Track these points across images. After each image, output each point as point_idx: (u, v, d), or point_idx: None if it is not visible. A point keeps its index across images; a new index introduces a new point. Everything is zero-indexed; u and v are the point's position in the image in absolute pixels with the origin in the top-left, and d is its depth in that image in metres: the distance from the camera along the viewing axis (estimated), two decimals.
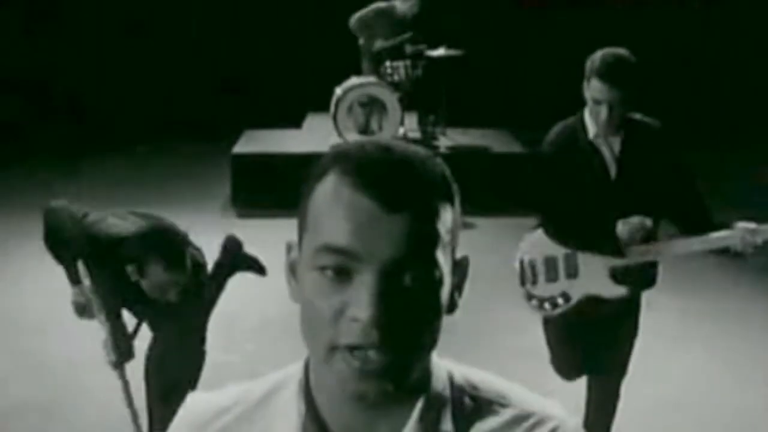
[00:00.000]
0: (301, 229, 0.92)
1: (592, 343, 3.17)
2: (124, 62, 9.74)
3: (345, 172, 0.87)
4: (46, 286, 5.29)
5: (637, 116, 3.02)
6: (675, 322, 4.95)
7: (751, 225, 2.90)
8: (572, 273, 3.04)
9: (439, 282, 0.88)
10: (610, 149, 2.99)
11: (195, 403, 1.04)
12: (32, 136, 8.76)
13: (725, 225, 2.96)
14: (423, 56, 7.37)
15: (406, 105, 7.36)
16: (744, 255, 2.92)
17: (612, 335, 3.17)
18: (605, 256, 2.96)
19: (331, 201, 0.87)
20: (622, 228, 2.90)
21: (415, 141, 7.63)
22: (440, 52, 7.39)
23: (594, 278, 3.01)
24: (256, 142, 7.94)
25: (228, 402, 1.01)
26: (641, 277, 3.08)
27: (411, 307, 0.85)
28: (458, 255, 0.94)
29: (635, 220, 2.90)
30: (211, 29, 10.21)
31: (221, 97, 9.72)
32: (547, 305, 3.10)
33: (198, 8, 10.25)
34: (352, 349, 0.85)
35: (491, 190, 6.99)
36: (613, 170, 2.99)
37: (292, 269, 0.95)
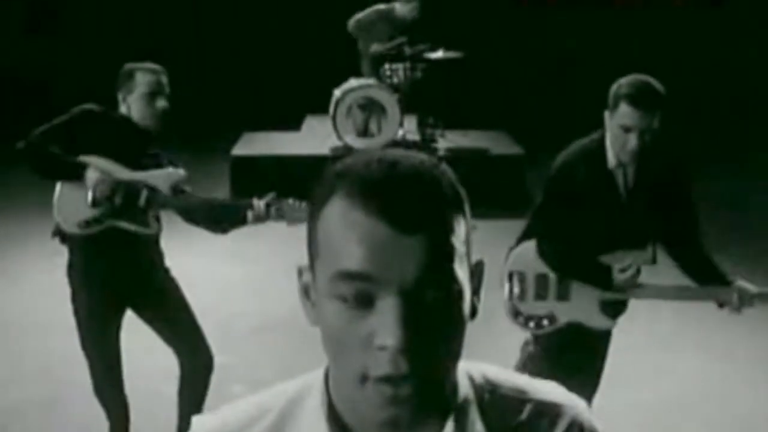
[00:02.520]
0: (313, 254, 0.90)
1: (570, 364, 3.08)
2: (124, 63, 9.74)
3: (352, 193, 0.85)
4: (47, 286, 5.30)
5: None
6: (675, 323, 4.96)
7: (752, 288, 2.84)
8: (563, 296, 2.99)
9: (460, 295, 0.87)
10: (625, 180, 2.90)
11: (203, 427, 1.00)
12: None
13: (725, 278, 2.90)
14: (422, 58, 7.39)
15: (405, 107, 7.38)
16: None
17: (588, 356, 3.11)
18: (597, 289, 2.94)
19: (342, 225, 0.85)
20: (619, 274, 2.87)
21: (414, 143, 7.64)
22: (439, 54, 7.40)
23: (583, 306, 2.97)
24: (255, 144, 7.95)
25: (241, 423, 0.97)
26: (624, 309, 3.05)
27: (436, 326, 0.84)
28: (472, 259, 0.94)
29: (633, 266, 2.87)
30: (211, 31, 10.22)
31: (220, 99, 9.73)
32: (532, 324, 3.05)
33: (198, 10, 10.27)
34: (382, 379, 0.84)
35: (490, 192, 7.00)
36: (624, 199, 2.91)
37: (306, 293, 0.94)
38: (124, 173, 3.24)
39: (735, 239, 6.43)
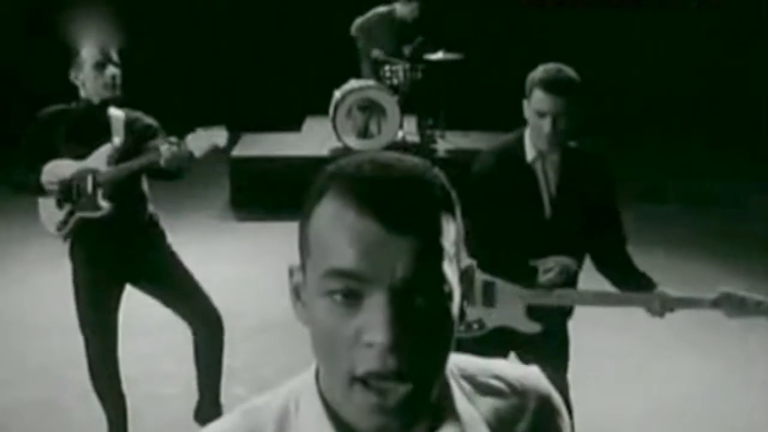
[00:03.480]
0: (304, 254, 0.91)
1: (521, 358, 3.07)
2: (123, 64, 9.75)
3: (344, 194, 0.86)
4: (47, 287, 5.32)
5: (575, 144, 2.94)
6: (672, 325, 4.95)
7: (672, 293, 2.82)
8: (489, 302, 2.96)
9: (449, 296, 0.87)
10: (545, 176, 2.91)
11: None
12: None
13: (647, 280, 2.88)
14: (422, 59, 7.39)
15: (405, 108, 7.38)
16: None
17: (539, 354, 3.06)
18: (521, 291, 2.90)
19: (334, 225, 0.86)
20: (543, 275, 2.85)
21: (414, 144, 7.65)
22: (439, 55, 7.41)
23: (509, 311, 2.94)
24: (254, 146, 7.96)
25: None
26: (558, 314, 3.00)
27: (425, 325, 0.85)
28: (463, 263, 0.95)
29: (556, 267, 2.85)
30: (210, 31, 10.22)
31: (220, 100, 9.74)
32: (462, 327, 3.01)
33: (197, 10, 10.27)
34: (370, 378, 0.84)
35: None
36: (546, 199, 2.91)
37: (297, 293, 0.95)
38: (68, 168, 3.35)
39: (731, 239, 6.44)
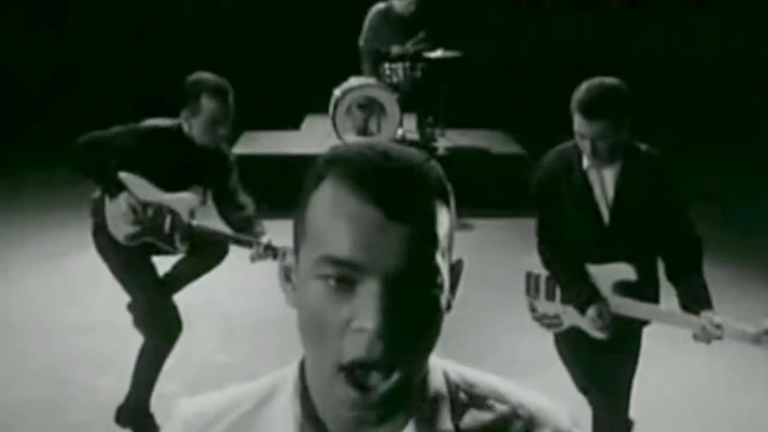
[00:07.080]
0: (299, 237, 0.92)
1: (592, 363, 3.09)
2: (122, 65, 9.76)
3: (344, 179, 0.86)
4: (48, 287, 5.31)
5: (640, 145, 2.90)
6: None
7: (717, 319, 2.71)
8: (566, 300, 3.00)
9: (440, 287, 0.88)
10: (602, 183, 2.88)
11: (187, 409, 1.02)
12: (33, 139, 8.78)
13: (702, 298, 2.78)
14: (421, 58, 7.38)
15: (405, 106, 7.37)
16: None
17: (610, 359, 3.05)
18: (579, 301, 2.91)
19: (332, 210, 0.86)
20: (591, 315, 2.85)
21: (413, 142, 7.64)
22: (438, 53, 7.40)
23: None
24: (254, 144, 7.95)
25: (221, 408, 1.00)
26: (633, 323, 2.98)
27: (415, 314, 0.85)
28: (455, 257, 0.95)
29: (611, 268, 2.86)
30: (210, 30, 10.22)
31: None
32: (546, 321, 3.10)
33: (197, 9, 10.27)
34: (355, 368, 0.85)
35: (490, 191, 7.01)
36: (603, 206, 2.89)
37: (287, 275, 0.95)
38: (152, 194, 3.37)
39: (736, 240, 6.43)
